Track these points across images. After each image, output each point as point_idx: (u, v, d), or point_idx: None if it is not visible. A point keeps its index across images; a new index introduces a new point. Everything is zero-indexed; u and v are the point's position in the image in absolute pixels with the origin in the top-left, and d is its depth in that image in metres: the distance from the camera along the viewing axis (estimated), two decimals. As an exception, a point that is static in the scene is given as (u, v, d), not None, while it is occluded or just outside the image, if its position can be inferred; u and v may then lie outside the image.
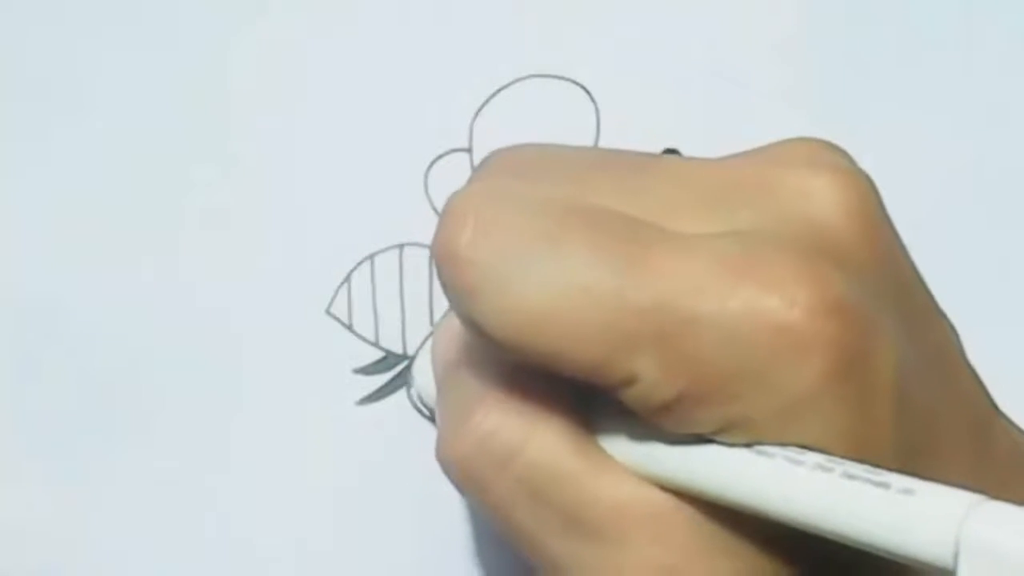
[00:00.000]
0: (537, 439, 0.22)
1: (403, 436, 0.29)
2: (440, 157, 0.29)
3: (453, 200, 0.22)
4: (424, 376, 0.28)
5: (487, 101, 0.29)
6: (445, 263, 0.21)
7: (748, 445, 0.20)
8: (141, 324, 0.29)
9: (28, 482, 0.29)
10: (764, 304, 0.20)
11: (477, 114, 0.29)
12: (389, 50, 0.30)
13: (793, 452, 0.20)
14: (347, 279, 0.29)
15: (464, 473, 0.23)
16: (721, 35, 0.29)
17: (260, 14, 0.30)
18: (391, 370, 0.29)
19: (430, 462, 0.29)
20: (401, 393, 0.29)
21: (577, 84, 0.29)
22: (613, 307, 0.20)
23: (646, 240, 0.21)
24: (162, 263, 0.29)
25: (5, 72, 0.30)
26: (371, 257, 0.29)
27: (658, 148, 0.29)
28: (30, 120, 0.30)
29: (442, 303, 0.29)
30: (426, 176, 0.29)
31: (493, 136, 0.29)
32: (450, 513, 0.29)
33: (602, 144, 0.29)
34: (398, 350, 0.29)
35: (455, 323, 0.23)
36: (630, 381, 0.20)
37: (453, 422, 0.23)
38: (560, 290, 0.20)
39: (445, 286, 0.22)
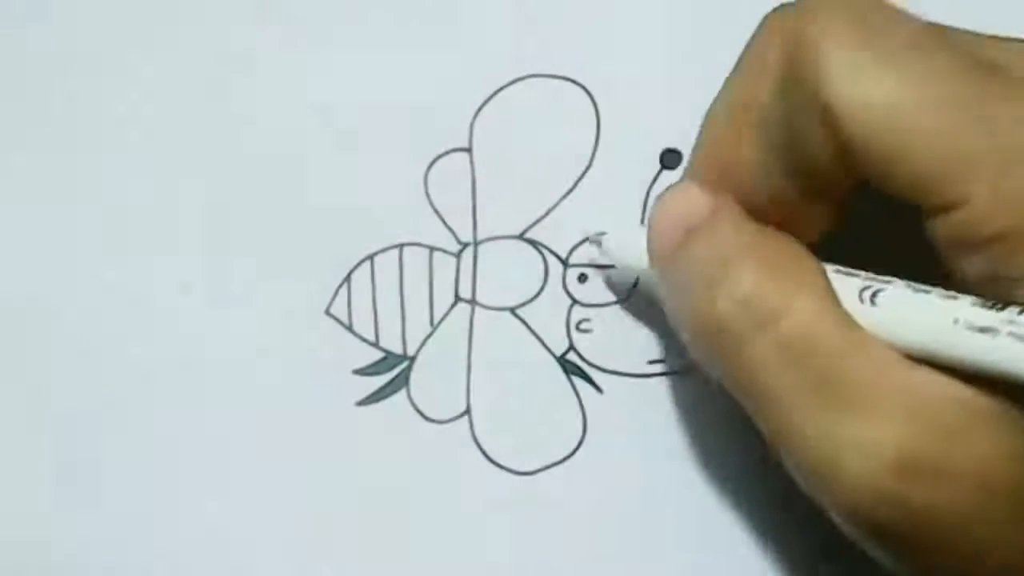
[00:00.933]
0: (801, 301, 0.22)
1: (403, 436, 0.29)
2: (440, 157, 0.29)
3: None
4: (627, 252, 0.27)
5: (487, 101, 0.29)
6: (806, 48, 0.21)
7: None
8: (141, 324, 0.29)
9: (28, 482, 0.29)
10: None
11: (477, 114, 0.29)
12: (389, 50, 0.30)
13: None
14: (347, 279, 0.29)
15: (720, 334, 0.23)
16: (721, 35, 0.29)
17: (261, 15, 0.30)
18: (391, 370, 0.29)
19: (430, 462, 0.29)
20: (401, 393, 0.29)
21: (577, 84, 0.29)
22: (972, 121, 0.20)
23: (1006, 75, 0.21)
24: (162, 263, 0.29)
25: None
26: (371, 257, 0.29)
27: (658, 148, 0.29)
28: (30, 120, 0.30)
29: (442, 303, 0.29)
30: (426, 176, 0.29)
31: (493, 136, 0.29)
32: (449, 513, 0.29)
33: (602, 144, 0.29)
34: (398, 350, 0.29)
35: (679, 200, 0.24)
36: (958, 204, 0.20)
37: (705, 285, 0.23)
38: (926, 91, 0.20)
39: (800, 73, 0.22)
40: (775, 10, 0.23)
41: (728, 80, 0.25)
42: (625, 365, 0.29)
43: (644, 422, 0.29)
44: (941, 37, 0.21)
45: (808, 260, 0.23)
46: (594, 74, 0.29)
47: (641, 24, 0.29)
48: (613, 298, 0.29)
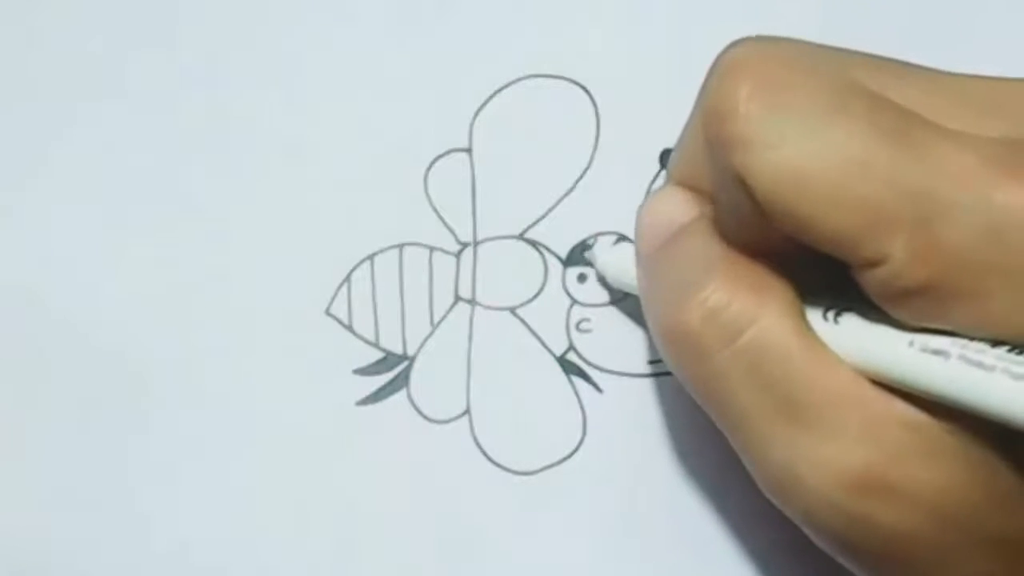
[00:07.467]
0: (767, 317, 0.22)
1: (403, 436, 0.29)
2: (440, 157, 0.29)
3: (730, 54, 0.22)
4: (611, 255, 0.28)
5: (487, 101, 0.29)
6: (719, 114, 0.21)
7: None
8: (141, 323, 0.29)
9: (27, 483, 0.29)
10: None
11: (477, 114, 0.29)
12: (389, 50, 0.30)
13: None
14: (347, 279, 0.29)
15: (686, 343, 0.23)
16: (721, 35, 0.29)
17: (260, 15, 0.30)
18: (391, 370, 0.29)
19: (430, 462, 0.29)
20: (401, 393, 0.29)
21: (577, 84, 0.29)
22: (882, 183, 0.20)
23: (921, 126, 0.21)
24: (163, 263, 0.29)
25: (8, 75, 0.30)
26: (371, 257, 0.29)
27: (658, 148, 0.29)
28: (31, 120, 0.30)
29: (442, 303, 0.29)
30: (426, 176, 0.29)
31: (493, 136, 0.29)
32: (449, 513, 0.29)
33: (602, 144, 0.29)
34: (398, 350, 0.29)
35: (663, 204, 0.24)
36: (879, 261, 0.20)
37: (676, 294, 0.23)
38: (834, 157, 0.20)
39: (714, 138, 0.21)
40: (720, 54, 0.23)
41: (690, 115, 0.25)
42: (625, 365, 0.29)
43: (644, 422, 0.29)
44: (855, 94, 0.21)
45: (777, 276, 0.23)
46: (594, 74, 0.29)
47: (641, 24, 0.29)
48: (613, 298, 0.29)
